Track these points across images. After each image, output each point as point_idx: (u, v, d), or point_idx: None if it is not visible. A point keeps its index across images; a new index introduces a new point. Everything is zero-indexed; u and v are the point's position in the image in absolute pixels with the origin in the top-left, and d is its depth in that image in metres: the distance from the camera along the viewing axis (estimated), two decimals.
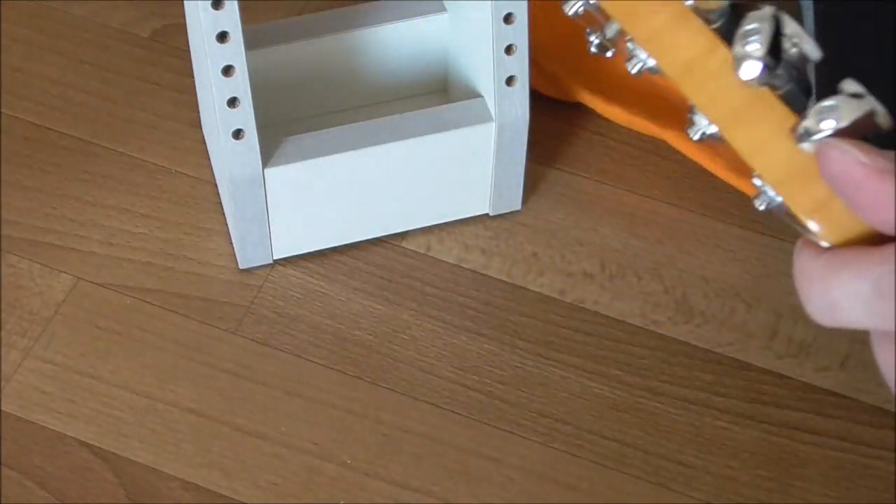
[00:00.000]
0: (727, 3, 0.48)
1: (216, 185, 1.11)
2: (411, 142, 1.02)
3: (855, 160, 0.44)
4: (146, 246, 1.08)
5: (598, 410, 1.00)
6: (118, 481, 0.96)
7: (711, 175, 1.12)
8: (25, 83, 1.17)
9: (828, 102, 0.47)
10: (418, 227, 1.09)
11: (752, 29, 0.47)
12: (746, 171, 1.11)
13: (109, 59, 1.19)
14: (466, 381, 1.01)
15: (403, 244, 1.09)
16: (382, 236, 1.09)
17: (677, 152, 1.13)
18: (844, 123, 0.46)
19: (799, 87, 0.49)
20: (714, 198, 1.11)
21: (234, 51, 0.93)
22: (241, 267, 1.07)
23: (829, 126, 0.46)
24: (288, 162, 1.01)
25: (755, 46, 0.47)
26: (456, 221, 1.10)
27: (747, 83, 0.47)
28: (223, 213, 1.10)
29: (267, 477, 0.97)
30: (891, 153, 0.45)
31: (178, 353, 1.02)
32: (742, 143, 0.49)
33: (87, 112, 1.16)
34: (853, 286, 0.41)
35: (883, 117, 0.47)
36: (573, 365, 1.02)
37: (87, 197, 1.11)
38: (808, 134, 0.47)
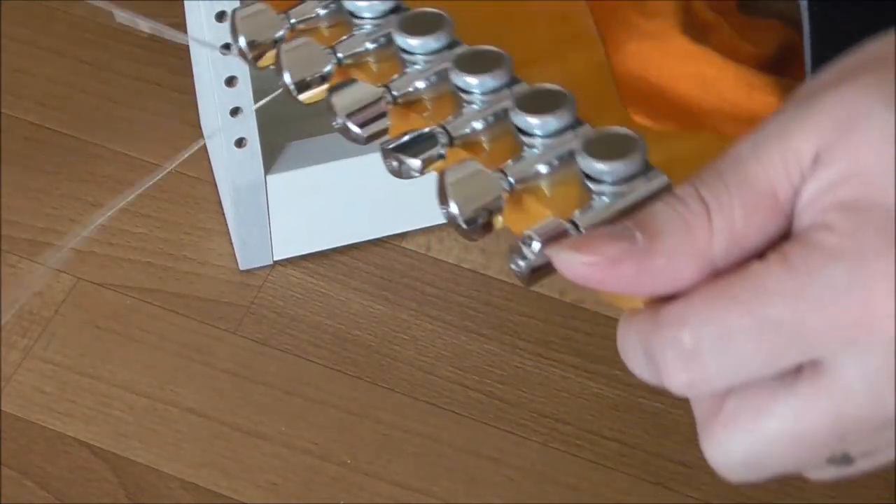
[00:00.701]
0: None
1: (216, 184, 1.11)
2: None
3: (581, 264, 0.42)
4: (146, 246, 1.08)
5: (598, 410, 1.00)
6: (118, 481, 0.96)
7: None
8: (25, 83, 1.17)
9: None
10: (418, 227, 1.09)
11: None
12: None
13: (109, 59, 1.19)
14: (466, 381, 1.01)
15: (403, 244, 1.09)
16: (382, 236, 1.09)
17: None
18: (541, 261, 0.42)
19: None
20: None
21: (238, 62, 0.93)
22: (241, 268, 1.07)
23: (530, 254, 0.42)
24: (290, 168, 1.01)
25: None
26: None
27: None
28: (223, 214, 1.10)
29: (267, 477, 0.97)
30: (617, 227, 0.41)
31: (178, 353, 1.02)
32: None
33: (87, 112, 1.16)
34: (633, 346, 0.43)
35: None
36: (573, 365, 1.02)
37: (87, 197, 1.11)
38: (520, 258, 0.43)
